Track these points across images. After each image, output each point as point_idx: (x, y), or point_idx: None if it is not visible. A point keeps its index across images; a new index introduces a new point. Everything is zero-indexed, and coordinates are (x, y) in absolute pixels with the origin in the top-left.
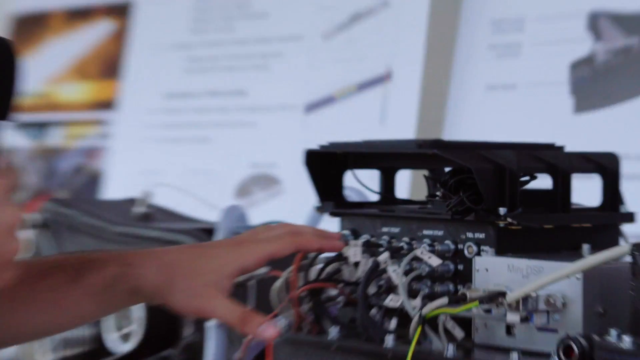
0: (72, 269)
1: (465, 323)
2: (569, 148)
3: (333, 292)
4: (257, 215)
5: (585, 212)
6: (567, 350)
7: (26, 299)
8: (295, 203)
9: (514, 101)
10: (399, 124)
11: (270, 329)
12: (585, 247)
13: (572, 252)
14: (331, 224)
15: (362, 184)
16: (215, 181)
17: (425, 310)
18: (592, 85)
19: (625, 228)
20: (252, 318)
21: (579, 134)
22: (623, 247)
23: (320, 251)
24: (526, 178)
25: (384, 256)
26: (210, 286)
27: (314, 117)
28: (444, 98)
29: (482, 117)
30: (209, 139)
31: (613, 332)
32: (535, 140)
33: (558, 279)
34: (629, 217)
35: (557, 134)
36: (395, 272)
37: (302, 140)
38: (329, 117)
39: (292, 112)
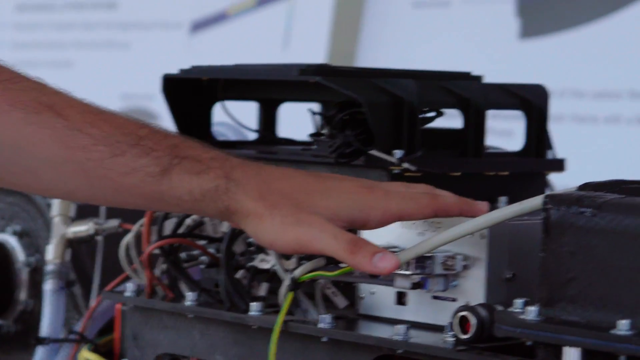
0: (163, 158)
1: (351, 290)
2: (512, 80)
3: (195, 250)
4: None
5: (503, 158)
6: (463, 323)
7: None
8: None
9: (446, 22)
10: (306, 48)
11: (388, 259)
12: (502, 199)
13: None
14: None
15: (233, 118)
16: None
17: (297, 272)
18: (541, 5)
19: (554, 178)
20: (363, 245)
21: (524, 63)
22: (535, 199)
23: (461, 216)
24: (431, 114)
25: None
26: (315, 215)
27: (201, 38)
28: (362, 16)
29: (407, 41)
30: (71, 63)
31: (518, 302)
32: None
33: (457, 237)
34: (557, 165)
35: (498, 64)
36: None
37: (186, 67)
38: (220, 39)
39: (174, 32)
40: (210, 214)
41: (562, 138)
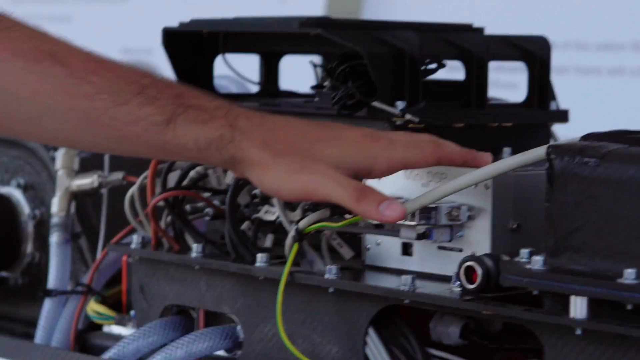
0: (167, 107)
1: (357, 241)
2: (515, 33)
3: (200, 202)
4: None
5: (506, 109)
6: (469, 273)
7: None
8: None
9: None
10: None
11: (394, 207)
12: (506, 150)
13: None
14: None
15: (234, 71)
16: None
17: (301, 224)
18: None
19: (559, 130)
20: (370, 193)
21: (527, 16)
22: (538, 149)
23: (464, 166)
24: (433, 66)
25: None
26: (320, 163)
27: None
28: None
29: None
30: (69, 17)
31: (524, 252)
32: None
33: (462, 187)
34: (561, 116)
35: (501, 16)
36: None
37: (186, 20)
38: None
39: None
40: (214, 163)
41: (565, 90)
